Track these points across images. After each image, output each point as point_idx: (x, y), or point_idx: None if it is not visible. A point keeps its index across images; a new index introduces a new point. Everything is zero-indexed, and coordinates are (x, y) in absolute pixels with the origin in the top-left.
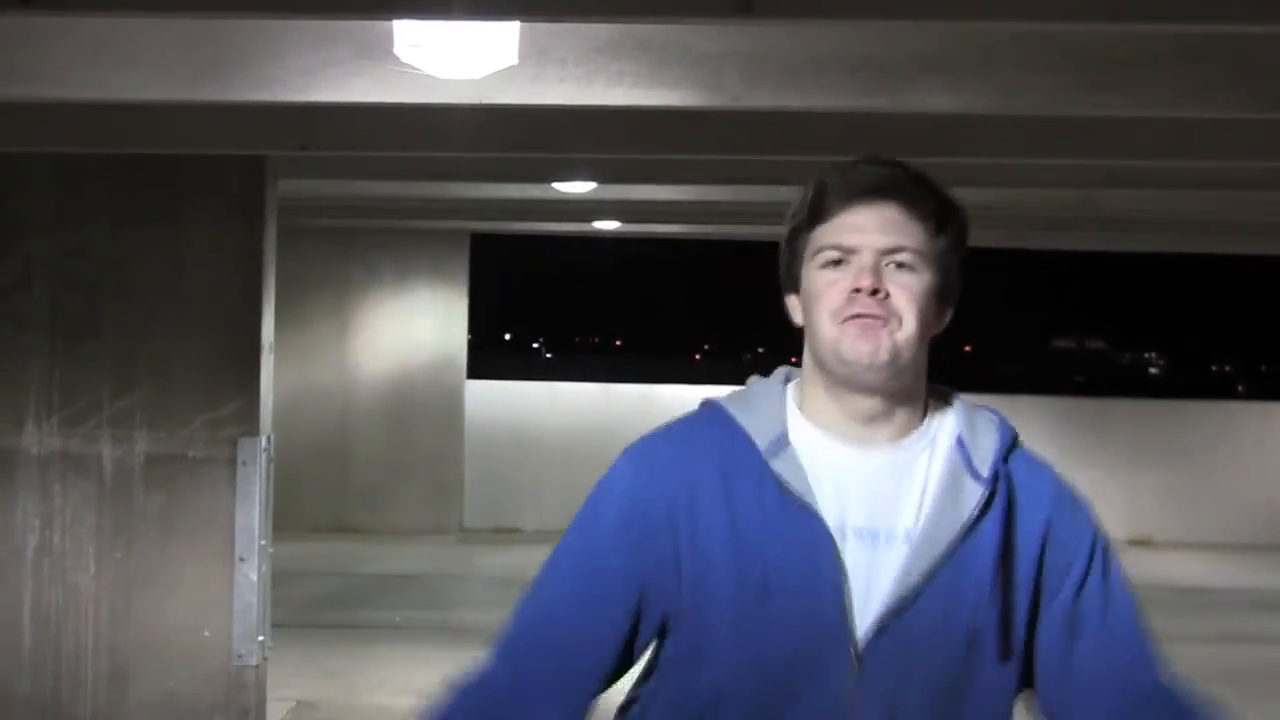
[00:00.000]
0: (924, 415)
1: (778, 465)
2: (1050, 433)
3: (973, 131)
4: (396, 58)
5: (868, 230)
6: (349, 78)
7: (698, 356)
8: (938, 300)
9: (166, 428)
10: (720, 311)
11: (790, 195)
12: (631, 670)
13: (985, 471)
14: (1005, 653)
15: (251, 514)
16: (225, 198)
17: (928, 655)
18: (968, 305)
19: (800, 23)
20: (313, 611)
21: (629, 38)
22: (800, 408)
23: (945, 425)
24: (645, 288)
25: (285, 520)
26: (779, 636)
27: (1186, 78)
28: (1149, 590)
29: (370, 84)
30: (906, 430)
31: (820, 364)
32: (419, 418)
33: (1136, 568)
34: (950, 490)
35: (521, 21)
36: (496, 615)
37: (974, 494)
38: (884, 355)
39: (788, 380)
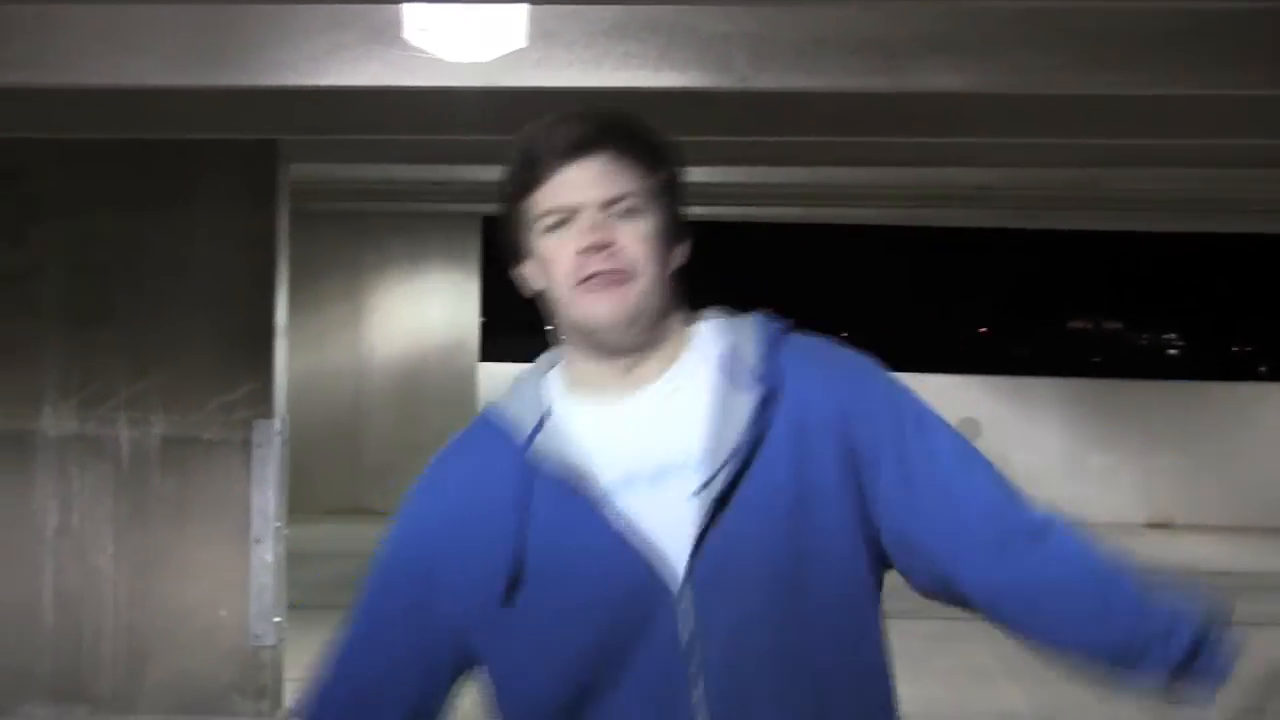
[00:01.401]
0: (686, 347)
1: (538, 444)
2: (1068, 414)
3: (979, 111)
4: (405, 41)
5: (583, 186)
6: (359, 62)
7: None
8: (670, 238)
9: (181, 410)
10: (727, 294)
11: (798, 176)
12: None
13: (750, 378)
14: (832, 547)
15: (266, 496)
16: (237, 182)
17: (752, 569)
18: (985, 287)
19: (807, 3)
20: (328, 593)
21: (636, 20)
22: (567, 379)
23: (709, 348)
24: None
25: (299, 502)
26: (579, 618)
27: (1189, 55)
28: (1168, 573)
29: (380, 68)
30: (669, 365)
31: (568, 329)
32: (432, 400)
33: (1155, 551)
34: (724, 406)
35: (529, 4)
36: None
37: (745, 404)
38: (624, 312)
39: (554, 362)
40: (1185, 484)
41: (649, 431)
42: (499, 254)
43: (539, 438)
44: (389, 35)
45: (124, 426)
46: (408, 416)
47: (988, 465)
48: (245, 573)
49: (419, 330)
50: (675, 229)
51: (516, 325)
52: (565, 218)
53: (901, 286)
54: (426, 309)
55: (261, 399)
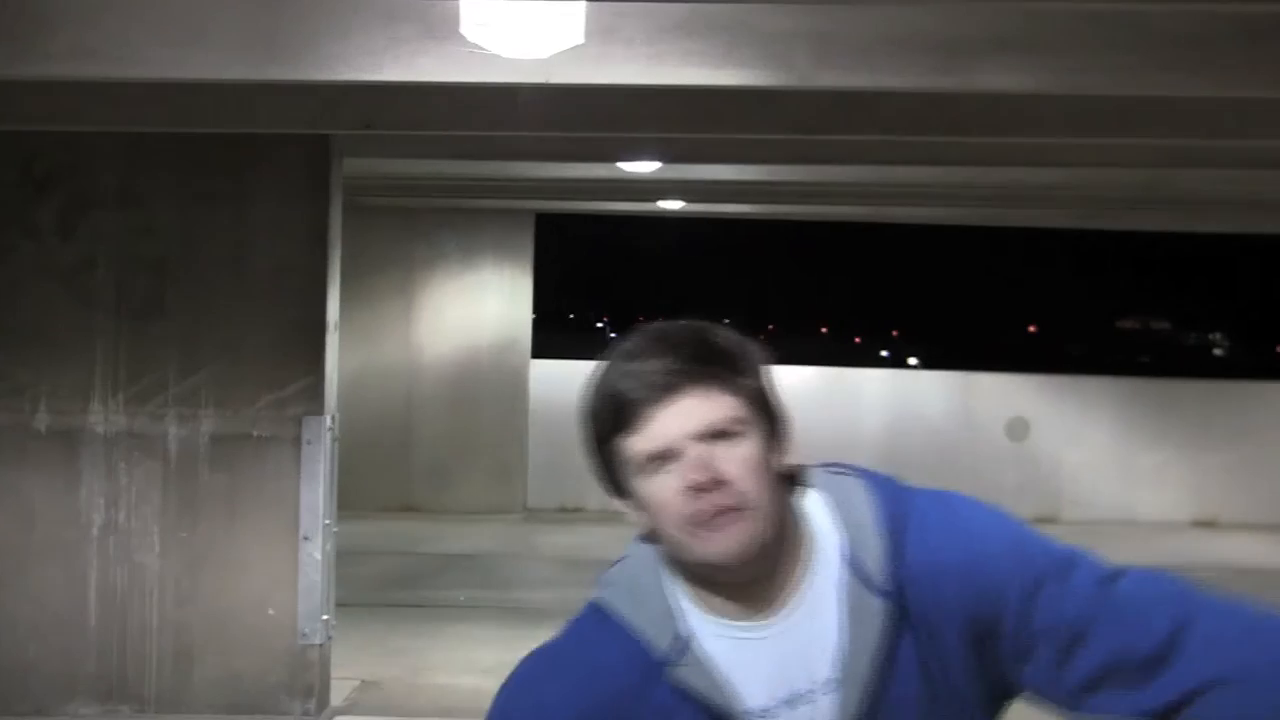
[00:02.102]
0: (810, 550)
1: (684, 675)
2: (1116, 413)
3: (1042, 111)
4: (463, 37)
5: (679, 423)
6: (415, 57)
7: (762, 336)
8: (773, 444)
9: (232, 406)
10: (784, 291)
11: (856, 175)
12: None
13: (880, 584)
14: None
15: (316, 493)
16: (291, 177)
17: None
18: (1033, 286)
19: (870, 2)
20: (377, 591)
21: (698, 17)
22: (693, 598)
23: (829, 541)
24: (709, 267)
25: (350, 499)
26: None
27: (1250, 57)
28: (1213, 571)
29: (436, 63)
30: (791, 574)
31: (685, 562)
32: (483, 397)
33: (1201, 549)
34: (856, 617)
35: (588, 1)
36: (560, 594)
37: (876, 612)
38: (746, 549)
39: (656, 557)
40: (1233, 482)
41: (788, 651)
42: (551, 250)
43: (684, 669)
44: (446, 30)
45: (173, 423)
46: (460, 413)
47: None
48: (294, 571)
49: (471, 326)
50: (776, 431)
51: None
52: (664, 460)
53: (954, 285)
54: (479, 305)
55: (313, 395)
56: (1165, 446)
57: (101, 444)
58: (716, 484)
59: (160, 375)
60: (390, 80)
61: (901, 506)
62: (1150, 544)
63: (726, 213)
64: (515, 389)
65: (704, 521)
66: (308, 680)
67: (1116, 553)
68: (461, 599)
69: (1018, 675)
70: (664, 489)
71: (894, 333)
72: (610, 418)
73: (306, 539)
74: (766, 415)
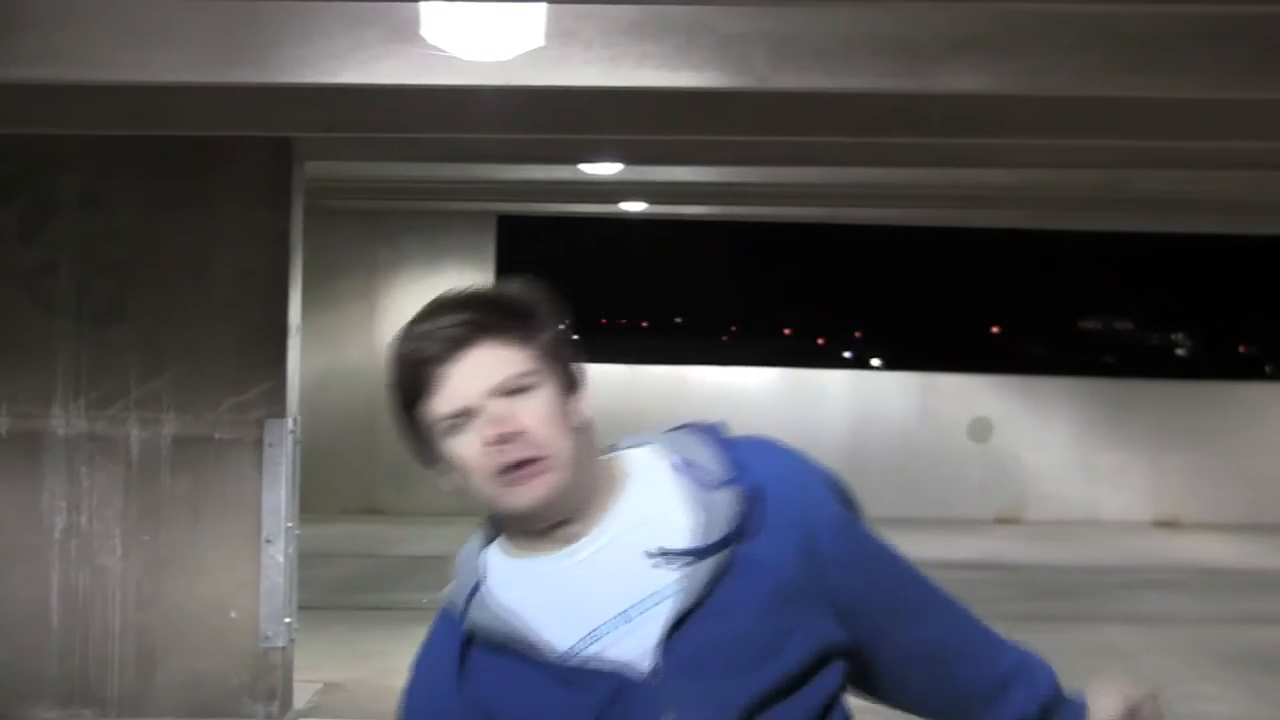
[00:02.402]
0: (615, 480)
1: (474, 615)
2: (1079, 414)
3: (1001, 112)
4: (424, 40)
5: (472, 381)
6: (377, 60)
7: (725, 338)
8: (568, 395)
9: (194, 410)
10: (747, 293)
11: (817, 176)
12: None
13: (720, 478)
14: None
15: (278, 496)
16: (253, 180)
17: (724, 660)
18: (996, 287)
19: (827, 4)
20: (341, 593)
21: (655, 19)
22: (506, 546)
23: (650, 472)
24: (672, 269)
25: (313, 502)
26: None
27: (1216, 58)
28: (1176, 572)
29: (397, 66)
30: (604, 507)
31: (498, 511)
32: None
33: (1162, 549)
34: (698, 514)
35: (548, 3)
36: None
37: (725, 499)
38: (549, 495)
39: (492, 533)
40: (1193, 482)
41: (600, 580)
42: (514, 253)
43: (474, 612)
44: (408, 33)
45: (135, 426)
46: None
47: (969, 622)
48: (256, 573)
49: None
50: (570, 383)
51: None
52: (464, 417)
53: (916, 286)
54: None
55: (275, 398)
56: (1127, 447)
57: (63, 447)
58: (515, 436)
59: (122, 379)
60: (352, 83)
61: (728, 437)
62: (1112, 544)
63: (689, 214)
64: None
65: (508, 474)
66: (270, 683)
67: (1079, 554)
68: (425, 602)
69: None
70: (468, 446)
71: (857, 334)
72: (409, 382)
73: (269, 541)
74: (561, 367)
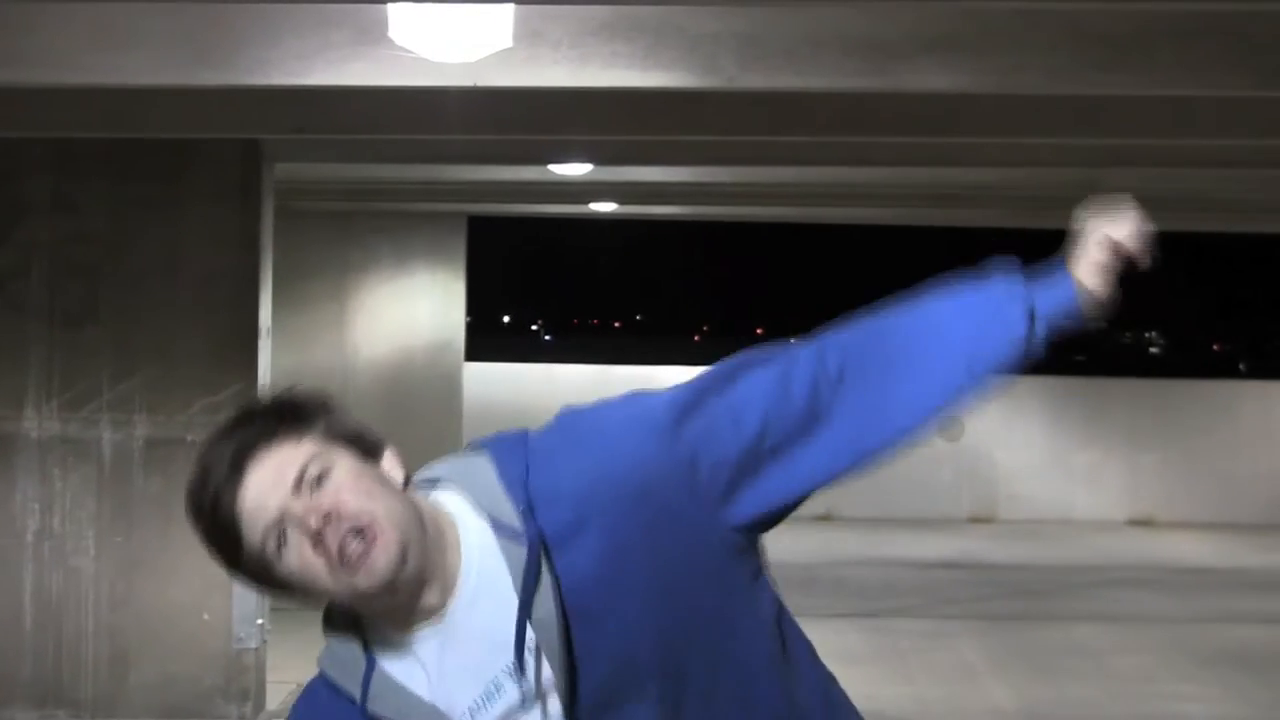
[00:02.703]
0: (448, 534)
1: (375, 705)
2: (1052, 412)
3: (971, 111)
4: (392, 41)
5: (267, 498)
6: (345, 61)
7: (697, 337)
8: (369, 460)
9: (165, 411)
10: (719, 293)
11: (788, 176)
12: None
13: (520, 530)
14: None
15: None
16: (222, 182)
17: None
18: None
19: (796, 3)
20: None
21: (623, 19)
22: (374, 625)
23: (473, 526)
24: (643, 269)
25: None
26: None
27: (1185, 56)
28: (1151, 571)
29: (366, 67)
30: (455, 565)
31: (354, 604)
32: (418, 400)
33: (1137, 548)
34: (519, 574)
35: (516, 4)
36: None
37: (527, 558)
38: (390, 560)
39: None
40: (1167, 481)
41: (479, 639)
42: (485, 254)
43: (374, 702)
44: (376, 35)
45: (107, 428)
46: (394, 417)
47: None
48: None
49: (405, 330)
50: (369, 449)
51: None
52: (276, 529)
53: (889, 285)
54: (412, 309)
55: (246, 399)
56: (1101, 445)
57: (35, 450)
58: (330, 516)
59: (94, 381)
60: (321, 84)
61: (519, 454)
62: (1086, 543)
63: (659, 214)
64: (449, 392)
65: (345, 558)
66: (243, 684)
67: (1053, 553)
68: None
69: (720, 513)
70: (298, 555)
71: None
72: (218, 530)
73: None
74: (349, 440)
